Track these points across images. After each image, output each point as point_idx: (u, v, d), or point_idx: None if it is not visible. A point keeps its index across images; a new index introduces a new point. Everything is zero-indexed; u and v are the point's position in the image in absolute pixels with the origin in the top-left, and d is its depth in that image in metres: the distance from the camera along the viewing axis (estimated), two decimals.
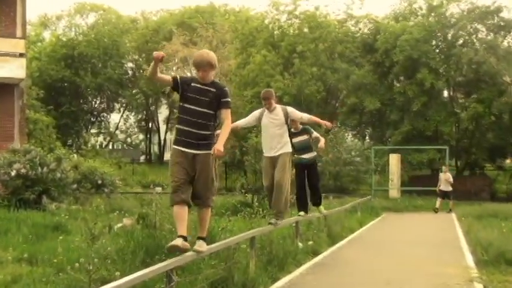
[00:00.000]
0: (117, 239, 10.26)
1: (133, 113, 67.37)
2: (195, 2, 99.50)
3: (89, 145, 48.10)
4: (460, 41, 40.41)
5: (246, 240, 9.62)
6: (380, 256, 13.16)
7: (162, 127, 65.47)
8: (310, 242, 13.44)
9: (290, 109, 11.07)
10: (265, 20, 45.97)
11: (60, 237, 11.30)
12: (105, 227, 12.11)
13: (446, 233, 18.80)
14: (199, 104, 7.20)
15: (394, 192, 35.25)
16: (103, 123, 63.42)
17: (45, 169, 19.71)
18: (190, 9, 59.36)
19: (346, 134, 40.32)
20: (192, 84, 7.32)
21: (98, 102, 61.15)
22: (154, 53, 7.03)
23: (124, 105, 64.22)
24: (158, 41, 52.94)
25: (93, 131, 61.20)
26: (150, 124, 66.84)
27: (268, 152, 10.86)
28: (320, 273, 10.73)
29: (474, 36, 40.39)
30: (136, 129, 70.44)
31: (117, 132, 68.03)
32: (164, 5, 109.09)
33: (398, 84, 41.72)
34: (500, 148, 39.93)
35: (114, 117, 66.62)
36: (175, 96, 40.83)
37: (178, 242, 6.96)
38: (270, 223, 10.77)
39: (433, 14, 40.65)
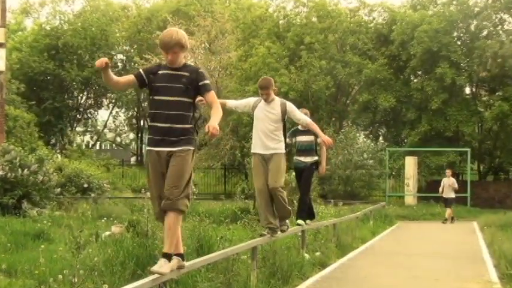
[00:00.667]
0: (105, 248, 10.26)
1: (123, 110, 67.29)
2: None
3: (74, 145, 48.21)
4: (484, 33, 40.38)
5: (246, 250, 9.64)
6: (394, 269, 13.16)
7: None
8: (318, 253, 13.46)
9: (290, 106, 10.57)
10: (270, 8, 45.99)
11: (42, 246, 11.31)
12: (92, 235, 12.14)
13: (467, 244, 18.81)
14: (172, 92, 6.82)
15: (410, 198, 35.25)
16: (90, 120, 63.38)
17: (25, 171, 19.76)
18: None
19: (358, 134, 40.30)
20: (160, 72, 6.96)
21: (84, 97, 61.04)
22: (97, 62, 6.69)
23: (113, 101, 64.13)
24: (151, 30, 52.96)
25: (78, 129, 61.20)
26: (141, 122, 66.71)
27: (258, 149, 10.37)
28: None
29: (500, 27, 40.43)
30: (126, 128, 70.38)
31: (106, 130, 68.04)
32: None
33: (415, 80, 41.75)
34: None
35: (102, 114, 66.55)
36: None
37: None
38: (261, 234, 10.32)
39: (454, 3, 40.58)
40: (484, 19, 39.30)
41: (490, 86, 41.72)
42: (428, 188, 37.43)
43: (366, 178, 34.78)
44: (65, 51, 53.80)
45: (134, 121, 67.66)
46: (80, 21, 57.16)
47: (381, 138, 47.16)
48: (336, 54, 42.33)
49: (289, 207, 10.63)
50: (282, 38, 43.72)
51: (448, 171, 28.75)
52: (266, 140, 10.26)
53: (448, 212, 27.43)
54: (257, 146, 10.40)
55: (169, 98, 6.80)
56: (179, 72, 6.89)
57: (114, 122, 68.08)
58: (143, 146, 69.02)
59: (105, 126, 66.87)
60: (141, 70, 7.06)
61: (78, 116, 60.48)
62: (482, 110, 40.65)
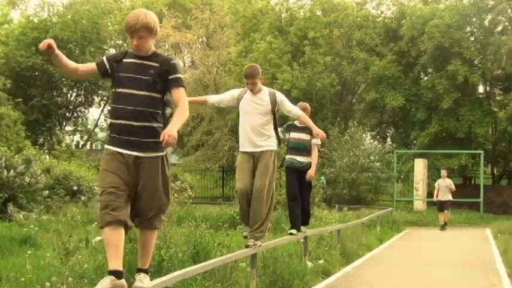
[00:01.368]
0: (96, 254, 10.28)
1: None
2: None
3: (63, 145, 48.06)
4: (499, 28, 40.45)
5: (245, 257, 9.64)
6: (401, 279, 13.19)
7: None
8: (321, 261, 13.48)
9: (280, 96, 9.91)
10: (271, 0, 46.03)
11: (29, 252, 11.30)
12: (82, 241, 12.13)
13: (480, 252, 18.83)
14: (138, 85, 6.16)
15: (419, 204, 35.30)
16: (80, 119, 63.24)
17: (11, 172, 19.77)
18: None
19: (364, 135, 40.40)
20: (125, 60, 6.30)
21: (74, 94, 60.90)
22: (40, 44, 5.86)
23: (105, 98, 63.90)
24: None
25: (68, 128, 61.09)
26: None
27: (245, 147, 9.72)
28: None
29: None
30: None
31: (97, 130, 67.89)
32: None
33: (425, 78, 41.79)
34: None
35: (93, 113, 66.48)
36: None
37: (107, 283, 5.97)
38: (246, 246, 9.52)
39: None
40: (499, 13, 39.32)
41: (504, 84, 41.72)
42: None
43: (373, 182, 34.80)
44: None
45: None
46: (70, 13, 57.04)
47: (388, 139, 47.24)
48: (341, 50, 42.38)
49: (268, 220, 9.77)
50: (285, 32, 43.81)
51: (444, 172, 28.14)
52: (254, 135, 9.61)
53: (446, 216, 27.35)
54: (245, 144, 9.74)
55: (134, 92, 6.15)
56: (147, 62, 6.25)
57: (105, 120, 67.72)
58: None
59: (96, 125, 66.73)
60: (104, 57, 6.48)
61: (67, 114, 60.35)
62: (496, 110, 40.69)
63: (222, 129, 39.06)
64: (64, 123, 60.23)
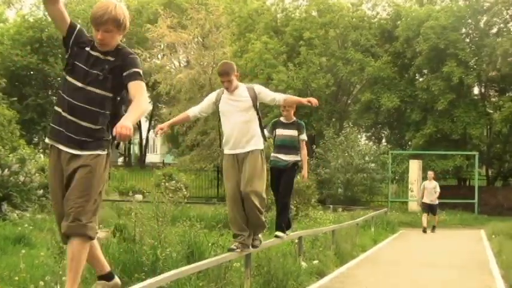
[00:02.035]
0: None
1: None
2: None
3: None
4: (494, 30, 40.52)
5: (240, 257, 9.63)
6: (396, 279, 13.19)
7: (144, 125, 65.43)
8: (315, 262, 13.48)
9: (259, 88, 9.39)
10: (267, 1, 46.04)
11: (23, 251, 11.27)
12: None
13: (474, 253, 18.85)
14: (87, 79, 5.62)
15: (414, 205, 35.29)
16: None
17: (6, 171, 19.72)
18: None
19: (359, 136, 40.39)
20: (87, 48, 5.73)
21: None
22: None
23: None
24: (141, 23, 53.01)
25: None
26: None
27: (229, 148, 9.17)
28: None
29: (511, 24, 40.48)
30: None
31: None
32: None
33: (421, 79, 41.82)
34: None
35: None
36: (161, 88, 41.05)
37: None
38: (229, 249, 9.09)
39: None
40: (495, 15, 39.39)
41: (499, 86, 41.80)
42: None
43: (368, 182, 34.83)
44: (50, 44, 53.60)
45: None
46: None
47: (383, 140, 47.25)
48: (336, 50, 42.39)
49: (264, 219, 9.35)
50: (280, 33, 43.79)
51: (430, 173, 27.38)
52: (239, 135, 9.03)
53: (436, 219, 26.91)
54: (229, 145, 9.17)
55: (82, 86, 5.60)
56: (104, 57, 5.70)
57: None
58: (131, 146, 69.04)
59: None
60: (77, 30, 5.75)
61: None
62: (491, 111, 40.76)
63: (217, 129, 39.06)
64: None
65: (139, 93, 5.59)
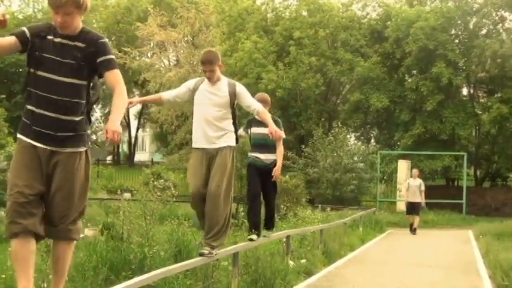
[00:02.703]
0: (77, 252, 10.22)
1: (99, 106, 67.07)
2: None
3: None
4: (484, 31, 40.66)
5: (227, 256, 9.62)
6: (384, 279, 13.20)
7: (133, 123, 65.38)
8: (303, 261, 13.49)
9: (240, 88, 8.81)
10: (257, 0, 46.01)
11: (10, 250, 11.26)
12: None
13: (461, 254, 18.89)
14: (60, 70, 5.31)
15: (402, 204, 35.35)
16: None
17: None
18: None
19: (348, 136, 40.40)
20: (49, 37, 5.38)
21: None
22: None
23: None
24: (131, 21, 52.81)
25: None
26: None
27: (199, 142, 8.65)
28: None
29: (500, 25, 40.71)
30: (102, 125, 70.13)
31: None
32: None
33: (410, 79, 41.92)
34: None
35: None
36: (150, 86, 41.01)
37: None
38: (200, 253, 8.38)
39: None
40: (484, 16, 39.52)
41: (488, 87, 41.98)
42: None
43: (356, 182, 34.83)
44: None
45: None
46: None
47: (372, 140, 47.42)
48: (326, 50, 42.50)
49: (227, 226, 8.54)
50: (270, 32, 43.84)
51: (415, 171, 26.44)
52: (210, 130, 8.51)
53: (417, 220, 25.50)
54: (199, 139, 8.64)
55: (57, 78, 5.30)
56: (72, 43, 5.36)
57: (88, 118, 67.80)
58: (120, 144, 68.87)
59: None
60: (26, 29, 5.45)
61: None
62: (480, 112, 40.92)
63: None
64: None
65: (119, 85, 5.46)
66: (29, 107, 5.38)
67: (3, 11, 5.30)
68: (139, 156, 70.32)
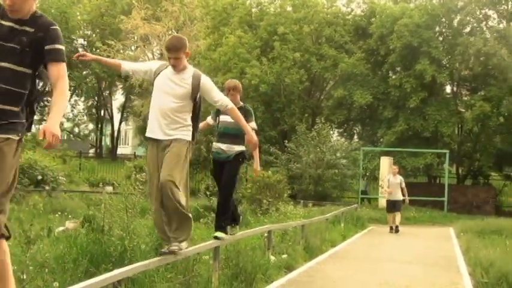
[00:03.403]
0: (58, 244, 10.22)
1: (82, 99, 66.89)
2: None
3: (29, 134, 47.78)
4: (468, 29, 40.81)
5: (208, 250, 9.62)
6: (364, 275, 13.23)
7: (117, 116, 65.19)
8: (284, 256, 13.50)
9: (205, 81, 8.08)
10: None
11: None
12: (43, 230, 12.05)
13: (442, 250, 18.96)
14: (3, 55, 4.88)
15: (384, 201, 35.47)
16: (46, 108, 62.48)
17: None
18: None
19: (331, 132, 40.47)
20: None
21: (40, 84, 60.34)
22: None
23: (72, 88, 63.50)
24: (115, 14, 52.66)
25: (34, 117, 60.65)
26: (102, 112, 66.41)
27: (153, 132, 7.96)
28: None
29: (484, 23, 40.88)
30: (85, 118, 69.97)
31: (63, 120, 67.53)
32: None
33: (394, 76, 41.99)
34: (509, 154, 40.24)
35: None
36: (134, 80, 40.88)
37: None
38: (161, 253, 8.02)
39: None
40: (468, 14, 39.68)
41: (471, 85, 42.14)
42: None
43: (339, 178, 34.85)
44: None
45: (94, 111, 67.26)
46: (38, 2, 56.58)
47: (355, 136, 47.53)
48: (310, 46, 42.53)
49: (186, 221, 7.93)
50: (254, 27, 43.80)
51: (395, 168, 25.69)
52: (165, 122, 7.81)
53: (398, 217, 24.30)
54: (153, 129, 7.93)
55: None
56: (20, 27, 4.94)
57: (72, 111, 67.52)
58: (103, 137, 68.70)
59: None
60: None
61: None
62: (462, 110, 41.06)
63: None
64: None
65: (61, 81, 4.97)
66: None
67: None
68: (122, 150, 70.15)
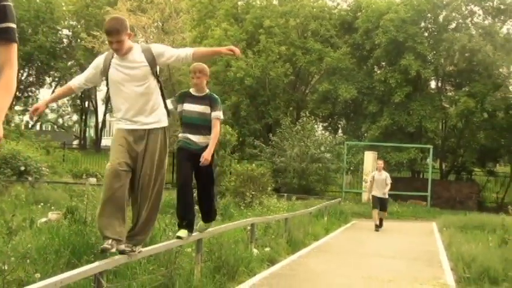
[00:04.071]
0: (40, 235, 10.18)
1: None
2: None
3: (12, 124, 47.52)
4: (453, 25, 40.89)
5: (191, 243, 9.60)
6: (347, 269, 13.25)
7: (101, 107, 64.94)
8: (267, 249, 13.52)
9: (157, 48, 7.44)
10: None
11: None
12: (26, 220, 12.00)
13: (425, 245, 19.02)
14: None
15: (367, 195, 35.54)
16: (30, 99, 62.60)
17: None
18: None
19: (316, 126, 40.48)
20: None
21: (25, 74, 60.33)
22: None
23: (56, 79, 63.40)
24: (100, 5, 52.44)
25: (17, 108, 60.39)
26: (86, 103, 66.16)
27: (123, 123, 7.31)
28: (276, 285, 10.75)
29: (469, 19, 40.93)
30: (69, 109, 69.68)
31: (47, 111, 67.18)
32: None
33: (378, 71, 42.14)
34: (492, 151, 40.45)
35: (44, 93, 65.69)
36: None
37: None
38: (121, 251, 7.14)
39: None
40: (454, 10, 39.74)
41: (456, 81, 42.29)
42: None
43: (322, 172, 34.90)
44: None
45: (78, 102, 66.95)
46: None
47: (339, 130, 47.58)
48: (296, 40, 42.51)
49: (152, 220, 7.61)
50: (240, 20, 43.75)
51: (380, 163, 24.22)
52: (133, 111, 7.21)
53: (381, 215, 23.47)
54: (121, 120, 7.30)
55: None
56: None
57: (56, 102, 67.33)
58: (87, 128, 68.44)
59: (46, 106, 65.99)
60: None
61: (17, 93, 59.63)
62: (447, 105, 41.19)
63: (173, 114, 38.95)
64: (14, 103, 59.26)
65: (8, 67, 3.86)
66: None
67: None
68: (106, 141, 69.82)
